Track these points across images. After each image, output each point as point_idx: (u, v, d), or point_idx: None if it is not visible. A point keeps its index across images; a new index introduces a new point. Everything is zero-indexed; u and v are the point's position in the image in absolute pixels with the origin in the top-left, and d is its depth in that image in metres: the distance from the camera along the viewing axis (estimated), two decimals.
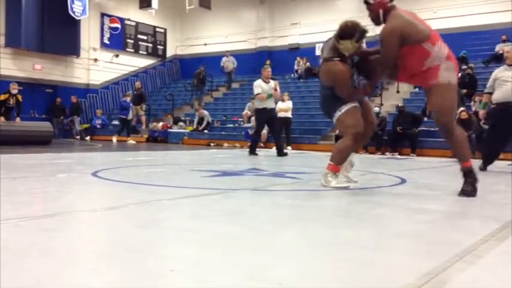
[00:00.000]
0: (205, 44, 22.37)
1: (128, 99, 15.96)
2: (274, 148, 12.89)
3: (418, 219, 2.61)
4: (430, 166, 7.54)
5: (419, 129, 11.71)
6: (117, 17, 20.97)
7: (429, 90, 3.61)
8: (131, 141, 15.19)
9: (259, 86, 8.84)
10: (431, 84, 3.54)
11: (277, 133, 9.68)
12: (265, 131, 13.83)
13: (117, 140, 15.33)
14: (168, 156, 9.00)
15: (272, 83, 9.05)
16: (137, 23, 21.60)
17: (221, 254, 1.76)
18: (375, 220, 2.64)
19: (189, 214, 2.64)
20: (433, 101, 3.62)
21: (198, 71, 19.22)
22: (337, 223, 2.47)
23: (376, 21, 3.71)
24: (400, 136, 11.62)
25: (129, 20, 21.33)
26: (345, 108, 3.80)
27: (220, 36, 21.63)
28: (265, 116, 9.01)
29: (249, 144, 9.68)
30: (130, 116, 15.82)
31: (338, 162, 3.82)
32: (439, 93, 3.52)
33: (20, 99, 12.55)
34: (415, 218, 2.67)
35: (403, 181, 4.64)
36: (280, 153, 9.11)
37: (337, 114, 3.84)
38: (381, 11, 3.62)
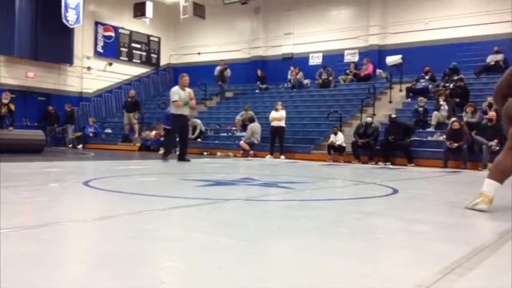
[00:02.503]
0: (199, 53, 22.42)
1: None
2: (267, 157, 13.03)
3: (409, 230, 2.62)
4: (422, 176, 7.56)
5: (411, 139, 11.77)
6: (111, 26, 20.96)
7: None
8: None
9: (177, 93, 9.42)
10: None
11: (184, 139, 9.96)
12: (242, 141, 13.85)
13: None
14: (160, 165, 8.96)
15: (187, 90, 9.62)
16: (131, 31, 21.59)
17: (213, 265, 1.75)
18: (366, 231, 2.64)
19: (180, 224, 2.63)
20: None
21: (221, 68, 19.09)
22: (329, 233, 2.48)
23: None
24: (393, 146, 11.68)
25: (123, 28, 21.33)
26: None
27: (214, 46, 21.68)
28: (181, 121, 9.54)
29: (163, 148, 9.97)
30: None
31: None
32: None
33: (13, 109, 12.51)
34: (406, 228, 2.68)
35: (395, 191, 4.65)
36: (182, 158, 9.55)
37: None
38: None
